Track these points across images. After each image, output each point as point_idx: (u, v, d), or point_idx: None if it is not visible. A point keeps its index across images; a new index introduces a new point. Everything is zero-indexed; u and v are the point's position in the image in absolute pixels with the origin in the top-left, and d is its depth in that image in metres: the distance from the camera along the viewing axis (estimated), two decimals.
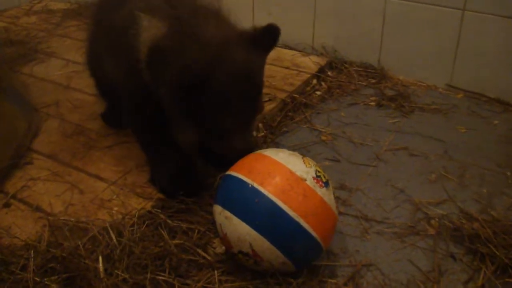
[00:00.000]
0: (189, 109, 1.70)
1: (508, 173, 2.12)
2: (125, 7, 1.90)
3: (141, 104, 1.90)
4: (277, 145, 2.27)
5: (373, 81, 2.83)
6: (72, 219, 1.81)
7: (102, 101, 2.41)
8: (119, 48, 1.87)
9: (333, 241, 1.71)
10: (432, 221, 1.87)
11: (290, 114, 2.52)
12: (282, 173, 1.52)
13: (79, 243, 1.66)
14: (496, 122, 2.48)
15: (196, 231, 1.78)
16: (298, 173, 1.52)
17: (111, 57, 1.97)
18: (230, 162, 1.67)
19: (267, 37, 1.77)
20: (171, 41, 1.68)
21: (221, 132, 1.73)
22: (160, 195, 1.92)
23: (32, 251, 1.63)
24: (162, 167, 1.95)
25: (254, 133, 2.29)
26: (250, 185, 1.50)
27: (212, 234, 1.77)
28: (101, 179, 2.04)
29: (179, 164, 1.93)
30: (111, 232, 1.72)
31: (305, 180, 1.52)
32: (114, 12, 1.94)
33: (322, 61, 2.96)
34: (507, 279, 1.63)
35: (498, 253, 1.68)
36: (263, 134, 2.32)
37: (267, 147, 1.81)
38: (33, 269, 1.57)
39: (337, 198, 1.65)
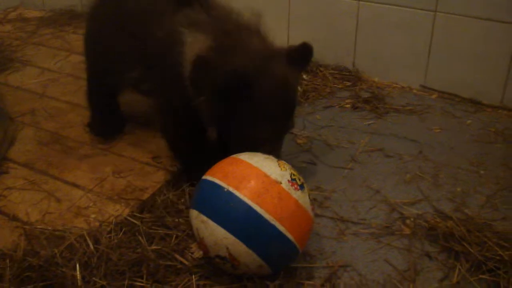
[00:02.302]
0: (227, 115, 1.77)
1: (481, 172, 2.15)
2: (161, 21, 1.93)
3: (180, 117, 1.95)
4: None
5: (348, 83, 2.85)
6: (49, 228, 1.81)
7: (93, 108, 2.41)
8: (161, 64, 1.90)
9: (309, 243, 1.73)
10: (407, 221, 1.89)
11: None
12: (257, 176, 1.53)
13: (56, 251, 1.66)
14: (469, 121, 2.52)
15: (174, 236, 1.78)
16: (273, 177, 1.53)
17: (145, 68, 1.99)
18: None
19: (301, 55, 1.89)
20: (216, 52, 1.76)
21: (254, 142, 1.76)
22: (138, 202, 1.93)
23: (8, 260, 1.63)
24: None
25: None
26: (225, 189, 1.51)
27: (190, 239, 1.77)
28: (77, 186, 2.04)
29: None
30: (88, 239, 1.72)
31: (280, 183, 1.53)
32: (146, 23, 1.97)
33: None
34: (481, 276, 1.65)
35: (472, 251, 1.71)
36: None
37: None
38: (9, 279, 1.57)
39: (313, 201, 1.66)
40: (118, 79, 2.18)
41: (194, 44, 1.81)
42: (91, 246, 1.69)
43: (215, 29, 1.83)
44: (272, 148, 1.80)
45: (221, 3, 1.99)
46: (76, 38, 3.47)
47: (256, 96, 1.73)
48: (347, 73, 2.92)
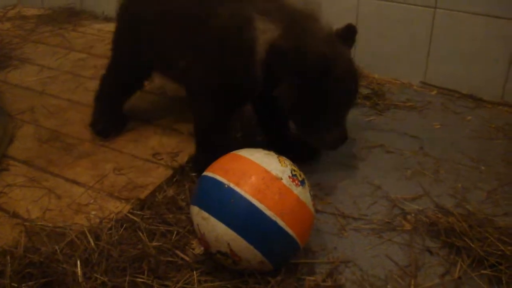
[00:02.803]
0: (306, 100, 1.88)
1: (482, 167, 2.15)
2: (229, 7, 1.96)
3: (235, 101, 2.04)
4: (255, 145, 2.27)
5: None
6: (50, 225, 1.80)
7: (99, 107, 2.40)
8: (226, 48, 1.94)
9: (311, 239, 1.73)
10: (409, 217, 1.89)
11: None
12: (257, 172, 1.53)
13: (57, 248, 1.66)
14: (469, 117, 2.52)
15: (175, 232, 1.78)
16: (274, 173, 1.53)
17: (199, 55, 2.01)
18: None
19: (348, 36, 2.00)
20: (290, 40, 1.84)
21: (330, 122, 1.95)
22: (138, 198, 1.92)
23: (8, 257, 1.62)
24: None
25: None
26: (226, 185, 1.51)
27: (191, 235, 1.77)
28: (78, 183, 2.03)
29: None
30: (88, 236, 1.72)
31: (281, 179, 1.53)
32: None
33: None
34: (483, 271, 1.65)
35: (473, 246, 1.71)
36: (241, 134, 2.33)
37: (244, 147, 1.84)
38: (10, 275, 1.56)
39: (314, 196, 1.66)
40: (164, 69, 2.24)
41: (266, 31, 1.88)
42: (92, 243, 1.69)
43: (284, 18, 1.90)
44: (342, 128, 1.99)
45: None
46: (75, 36, 3.48)
47: (334, 79, 1.83)
48: None
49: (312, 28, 1.89)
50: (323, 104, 1.88)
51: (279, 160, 1.59)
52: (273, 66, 1.87)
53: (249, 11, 1.91)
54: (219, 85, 1.98)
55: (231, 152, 1.65)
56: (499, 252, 1.69)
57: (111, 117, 2.37)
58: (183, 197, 1.94)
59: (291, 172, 1.57)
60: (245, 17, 1.91)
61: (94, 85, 2.72)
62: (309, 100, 1.87)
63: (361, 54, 2.88)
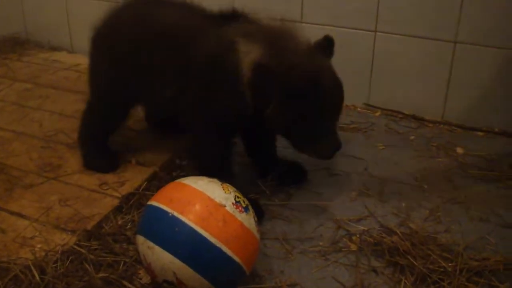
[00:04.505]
0: (295, 115, 1.87)
1: (425, 186, 2.21)
2: (209, 33, 1.98)
3: (229, 129, 2.04)
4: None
5: None
6: None
7: (89, 145, 2.35)
8: (212, 75, 1.95)
9: (258, 263, 1.74)
10: (354, 238, 1.92)
11: None
12: (201, 200, 1.55)
13: (0, 283, 1.63)
14: (412, 137, 2.58)
15: (122, 262, 1.77)
16: (217, 200, 1.55)
17: (185, 83, 2.00)
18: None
19: (328, 47, 2.05)
20: (273, 58, 1.85)
21: (319, 135, 1.93)
22: (85, 229, 1.91)
23: None
24: None
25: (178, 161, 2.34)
26: (170, 214, 1.52)
27: (138, 265, 1.76)
28: (23, 216, 2.01)
29: None
30: (33, 270, 1.69)
31: (225, 206, 1.55)
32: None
33: None
34: None
35: (416, 264, 1.75)
36: (185, 162, 2.34)
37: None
38: None
39: (259, 221, 1.68)
40: (150, 100, 2.24)
41: (250, 52, 1.88)
42: (37, 277, 1.67)
43: (264, 38, 1.91)
44: (335, 136, 1.98)
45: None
46: (20, 66, 3.44)
47: (321, 90, 1.84)
48: None
49: (292, 45, 1.92)
50: (314, 116, 1.88)
51: (222, 187, 1.61)
52: (260, 85, 1.87)
53: (231, 36, 1.92)
54: (212, 112, 1.99)
55: (175, 181, 1.67)
56: (441, 269, 1.73)
57: (104, 153, 2.33)
58: (130, 227, 1.93)
59: (235, 199, 1.59)
60: (227, 42, 1.91)
61: (39, 115, 2.72)
62: (300, 114, 1.87)
63: None
